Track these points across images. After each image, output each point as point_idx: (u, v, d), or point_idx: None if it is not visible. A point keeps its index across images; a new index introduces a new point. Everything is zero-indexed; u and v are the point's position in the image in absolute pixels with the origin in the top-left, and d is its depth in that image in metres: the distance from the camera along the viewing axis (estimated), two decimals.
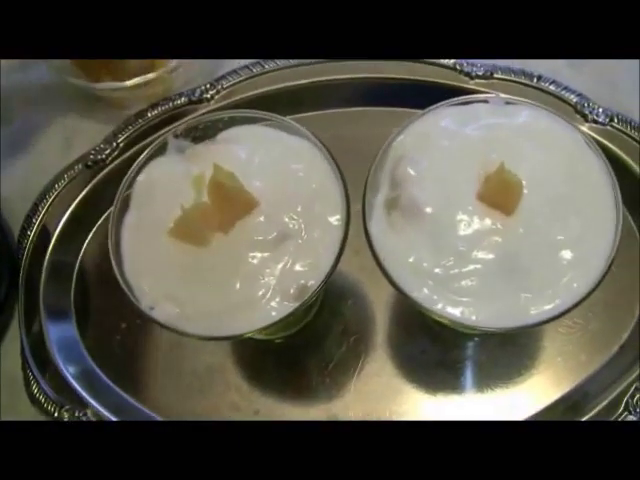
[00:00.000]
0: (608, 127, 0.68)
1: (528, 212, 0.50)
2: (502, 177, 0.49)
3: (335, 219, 0.53)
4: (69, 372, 0.65)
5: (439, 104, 0.56)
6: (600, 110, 0.69)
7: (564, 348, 0.64)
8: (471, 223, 0.50)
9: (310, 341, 0.67)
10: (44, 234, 0.70)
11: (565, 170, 0.52)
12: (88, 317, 0.69)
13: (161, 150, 0.58)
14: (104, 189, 0.71)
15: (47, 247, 0.70)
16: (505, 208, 0.50)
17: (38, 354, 0.65)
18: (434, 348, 0.65)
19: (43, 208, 0.71)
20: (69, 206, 0.71)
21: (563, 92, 0.70)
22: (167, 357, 0.66)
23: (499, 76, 0.72)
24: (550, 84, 0.71)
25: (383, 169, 0.54)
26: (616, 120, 0.68)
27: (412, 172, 0.52)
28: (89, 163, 0.73)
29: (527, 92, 0.71)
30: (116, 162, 0.73)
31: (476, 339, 0.65)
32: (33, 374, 0.64)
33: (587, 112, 0.69)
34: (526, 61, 0.73)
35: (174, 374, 0.66)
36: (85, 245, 0.72)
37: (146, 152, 0.58)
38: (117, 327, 0.68)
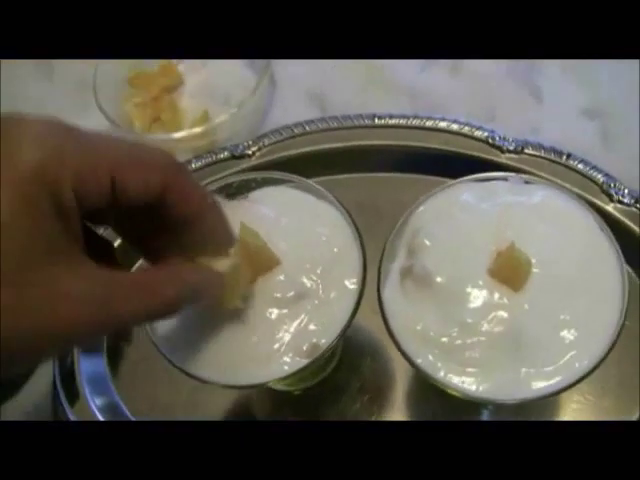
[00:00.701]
0: (633, 208, 0.70)
1: (535, 290, 0.52)
2: (512, 255, 0.51)
3: (352, 283, 0.56)
4: (95, 404, 0.68)
5: (461, 179, 0.58)
6: (626, 191, 0.70)
7: None
8: (479, 296, 0.52)
9: (327, 396, 0.69)
10: None
11: (576, 252, 0.54)
12: (119, 354, 0.73)
13: None
14: None
15: None
16: (513, 284, 0.52)
17: (68, 385, 0.69)
18: (447, 413, 0.66)
19: None
20: None
21: (591, 171, 0.72)
22: (188, 401, 0.69)
23: (529, 152, 0.74)
24: (579, 163, 0.72)
25: (402, 238, 0.57)
26: None
27: (427, 243, 0.54)
28: None
29: (556, 169, 0.72)
30: None
31: (490, 407, 0.67)
32: (61, 403, 0.68)
33: (613, 192, 0.70)
34: (557, 138, 0.75)
35: (192, 418, 0.68)
36: None
37: None
38: (145, 366, 0.71)
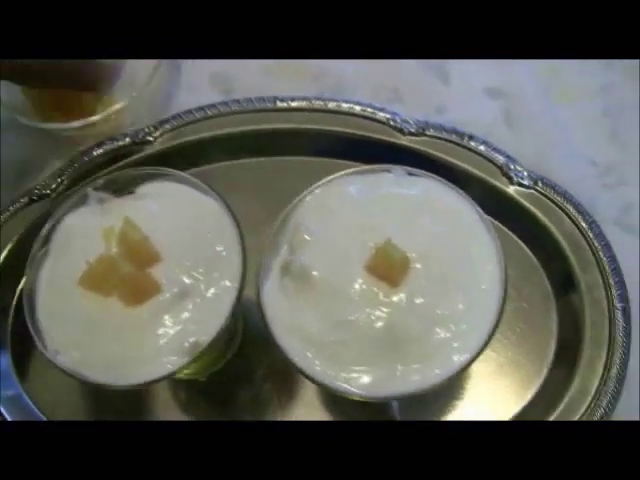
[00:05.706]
0: (532, 190, 0.70)
1: (413, 286, 0.52)
2: (388, 251, 0.51)
3: (233, 282, 0.56)
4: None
5: (344, 172, 0.58)
6: (525, 173, 0.70)
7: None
8: (356, 293, 0.52)
9: (231, 382, 0.69)
10: None
11: (455, 246, 0.54)
12: (23, 349, 0.71)
13: (83, 200, 0.61)
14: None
15: None
16: (390, 280, 0.52)
17: None
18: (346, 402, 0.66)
19: None
20: (10, 240, 0.73)
21: (492, 153, 0.71)
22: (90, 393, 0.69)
23: (430, 133, 0.73)
24: (480, 144, 0.72)
25: (284, 233, 0.57)
26: (540, 184, 0.69)
27: (307, 237, 0.54)
28: (34, 197, 0.75)
29: (457, 151, 0.72)
30: (60, 198, 0.75)
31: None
32: None
33: (512, 175, 0.70)
34: (462, 119, 0.75)
35: (96, 409, 0.69)
36: (23, 280, 0.74)
37: (68, 202, 0.61)
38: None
